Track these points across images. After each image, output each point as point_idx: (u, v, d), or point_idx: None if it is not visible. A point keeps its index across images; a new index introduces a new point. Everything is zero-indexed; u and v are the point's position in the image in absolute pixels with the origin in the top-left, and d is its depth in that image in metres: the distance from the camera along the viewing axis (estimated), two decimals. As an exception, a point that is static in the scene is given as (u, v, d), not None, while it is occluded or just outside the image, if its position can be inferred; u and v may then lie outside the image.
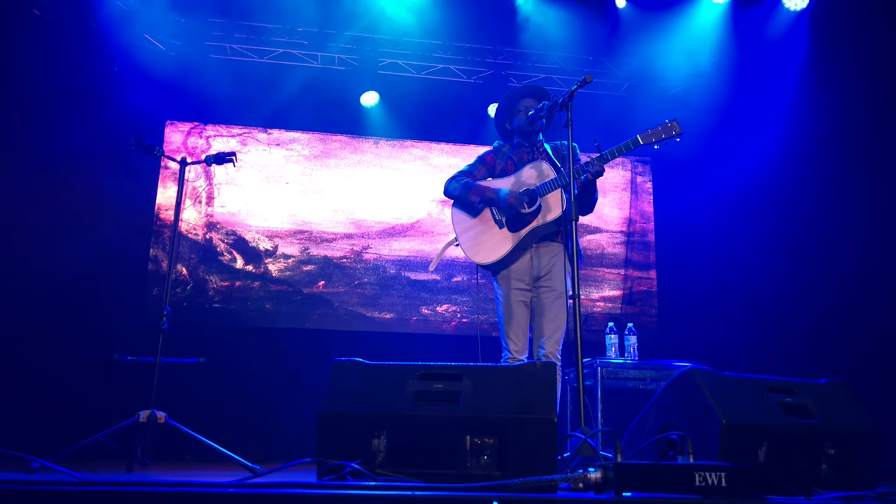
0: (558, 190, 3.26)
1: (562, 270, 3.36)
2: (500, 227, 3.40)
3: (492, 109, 6.34)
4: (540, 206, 3.32)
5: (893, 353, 4.56)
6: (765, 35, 5.76)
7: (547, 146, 3.52)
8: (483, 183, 3.49)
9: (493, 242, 3.40)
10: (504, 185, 3.43)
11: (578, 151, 3.34)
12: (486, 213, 3.45)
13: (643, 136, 3.13)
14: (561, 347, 3.32)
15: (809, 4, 5.49)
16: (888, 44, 4.88)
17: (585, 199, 3.36)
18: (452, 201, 3.58)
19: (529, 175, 3.39)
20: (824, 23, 5.40)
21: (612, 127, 5.91)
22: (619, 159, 6.48)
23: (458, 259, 6.14)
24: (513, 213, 3.37)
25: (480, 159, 3.61)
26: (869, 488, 2.28)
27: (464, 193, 3.47)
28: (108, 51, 5.72)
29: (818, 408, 2.39)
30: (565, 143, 2.99)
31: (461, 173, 3.57)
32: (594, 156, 3.15)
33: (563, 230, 3.39)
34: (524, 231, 3.34)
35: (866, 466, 2.33)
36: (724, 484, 1.70)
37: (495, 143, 3.67)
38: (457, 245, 3.54)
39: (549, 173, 3.33)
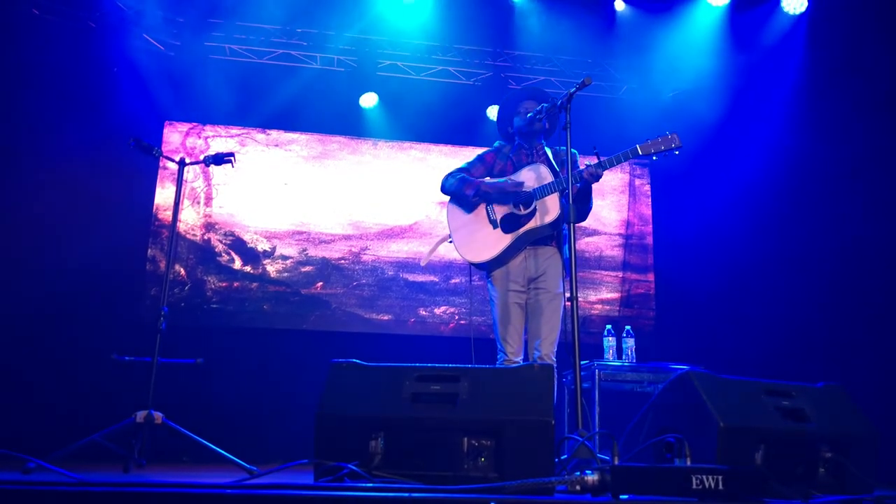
0: (555, 194, 3.26)
1: (557, 272, 3.36)
2: (495, 227, 3.37)
3: (491, 111, 6.34)
4: (535, 209, 3.31)
5: (891, 356, 4.57)
6: (763, 38, 5.76)
7: (547, 149, 3.50)
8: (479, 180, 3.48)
9: (487, 241, 3.37)
10: (501, 185, 3.43)
11: (578, 157, 3.33)
12: (482, 211, 3.43)
13: (642, 146, 3.12)
14: (555, 349, 3.31)
15: (808, 8, 5.50)
16: (887, 48, 4.89)
17: (580, 206, 3.33)
18: (449, 198, 3.56)
19: (527, 177, 3.38)
20: (823, 26, 5.40)
21: (610, 129, 5.90)
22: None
23: (457, 261, 6.13)
24: (508, 208, 3.35)
25: (479, 158, 3.59)
26: (866, 492, 2.28)
27: (459, 188, 3.44)
28: (106, 51, 5.72)
29: (816, 411, 2.39)
30: (564, 147, 2.97)
31: (458, 170, 3.55)
32: (593, 161, 3.16)
33: (558, 234, 3.38)
34: (519, 232, 3.33)
35: (864, 470, 2.33)
36: (721, 487, 1.71)
37: (496, 143, 3.66)
38: (450, 242, 3.52)
39: (547, 177, 3.32)
